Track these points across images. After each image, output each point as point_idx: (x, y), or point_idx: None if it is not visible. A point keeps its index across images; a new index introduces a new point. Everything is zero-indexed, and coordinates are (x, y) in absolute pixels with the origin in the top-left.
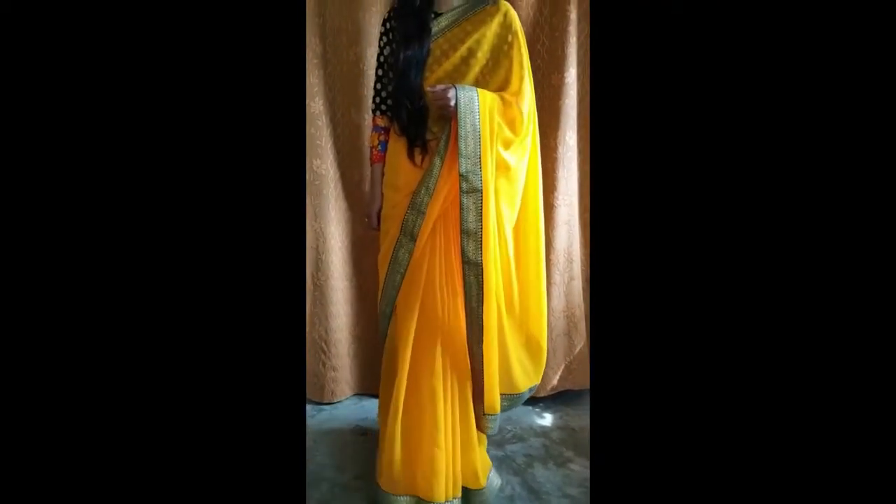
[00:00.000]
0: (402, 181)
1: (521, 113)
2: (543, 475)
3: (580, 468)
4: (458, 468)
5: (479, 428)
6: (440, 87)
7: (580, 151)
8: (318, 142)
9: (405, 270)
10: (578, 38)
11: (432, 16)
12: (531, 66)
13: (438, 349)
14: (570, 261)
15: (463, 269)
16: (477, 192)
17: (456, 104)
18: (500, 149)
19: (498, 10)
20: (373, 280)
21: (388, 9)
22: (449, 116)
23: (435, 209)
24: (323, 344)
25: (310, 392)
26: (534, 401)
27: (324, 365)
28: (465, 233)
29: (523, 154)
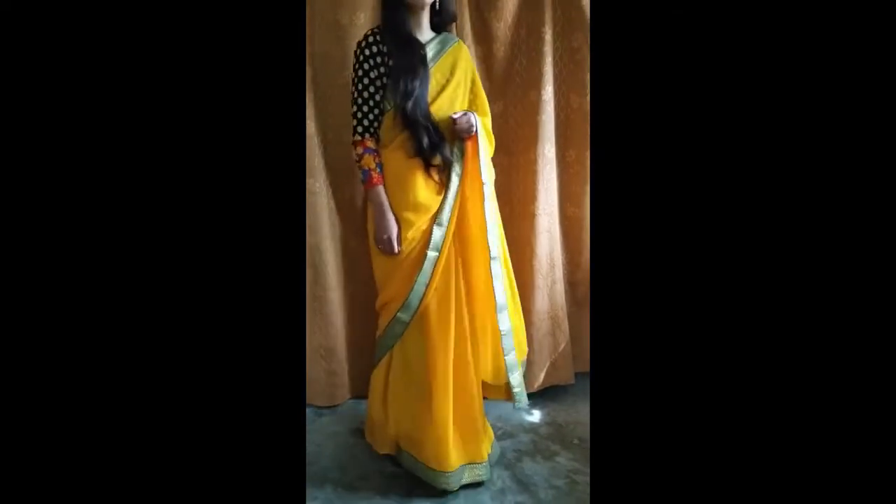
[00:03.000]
0: (422, 200)
1: (491, 134)
2: (532, 468)
3: (565, 461)
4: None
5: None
6: (460, 113)
7: (558, 163)
8: (312, 161)
9: (429, 280)
10: (553, 57)
11: None
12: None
13: (450, 348)
14: (552, 266)
15: (491, 263)
16: (494, 199)
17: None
18: None
19: (460, 46)
20: (367, 289)
21: (367, 33)
22: (461, 137)
23: (454, 221)
24: (322, 351)
25: (312, 397)
26: None
27: (324, 371)
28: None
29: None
